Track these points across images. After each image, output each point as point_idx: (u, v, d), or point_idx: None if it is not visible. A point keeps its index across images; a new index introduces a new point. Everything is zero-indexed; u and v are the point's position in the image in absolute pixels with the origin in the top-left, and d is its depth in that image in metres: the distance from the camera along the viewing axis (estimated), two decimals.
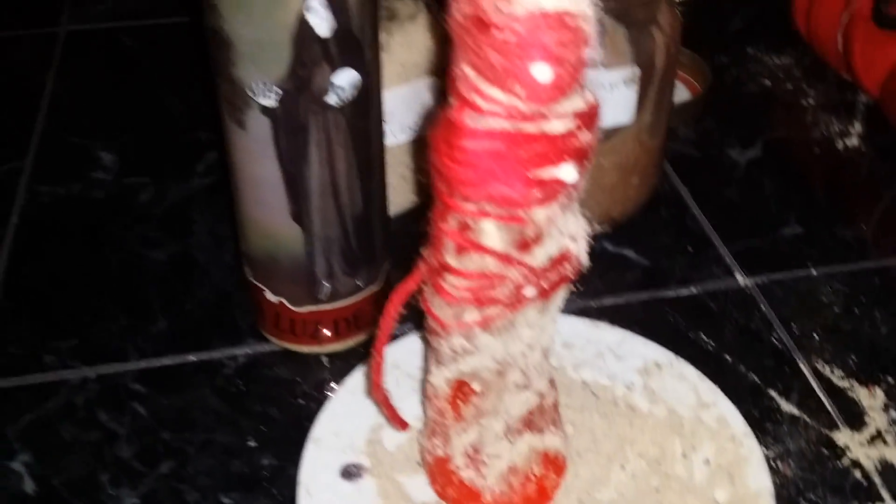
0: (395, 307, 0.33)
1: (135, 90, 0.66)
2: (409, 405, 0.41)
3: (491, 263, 0.30)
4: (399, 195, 0.51)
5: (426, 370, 0.35)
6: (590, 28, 0.25)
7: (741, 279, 0.50)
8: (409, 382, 0.42)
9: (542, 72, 0.25)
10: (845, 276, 0.50)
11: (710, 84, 0.62)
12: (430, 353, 0.34)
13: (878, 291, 0.49)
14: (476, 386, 0.33)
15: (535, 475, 0.36)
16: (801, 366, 0.45)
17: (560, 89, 0.26)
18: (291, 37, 0.35)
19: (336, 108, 0.38)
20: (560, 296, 0.33)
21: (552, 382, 0.36)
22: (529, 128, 0.27)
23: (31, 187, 0.56)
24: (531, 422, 0.36)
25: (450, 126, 0.28)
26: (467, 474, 0.36)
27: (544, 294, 0.32)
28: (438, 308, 0.32)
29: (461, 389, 0.34)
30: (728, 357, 0.45)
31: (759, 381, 0.44)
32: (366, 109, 0.39)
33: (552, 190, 0.28)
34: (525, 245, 0.30)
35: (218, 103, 0.39)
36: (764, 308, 0.48)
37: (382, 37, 0.45)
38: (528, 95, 0.26)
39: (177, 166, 0.58)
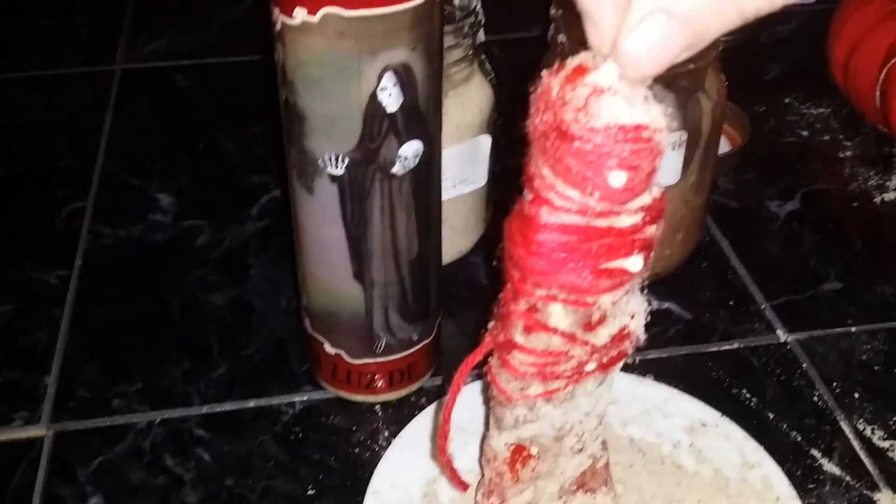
0: (462, 377, 0.35)
1: (188, 130, 0.68)
2: (461, 457, 0.43)
3: (557, 342, 0.32)
4: (449, 246, 0.53)
5: (485, 434, 0.37)
6: (663, 139, 0.27)
7: (782, 335, 0.51)
8: (461, 435, 0.44)
9: (618, 178, 0.27)
10: (884, 334, 0.51)
11: (750, 136, 0.63)
12: (492, 418, 0.36)
13: None
14: (534, 450, 0.35)
15: None
16: (843, 425, 0.46)
17: (632, 192, 0.28)
18: (362, 113, 0.37)
19: (399, 176, 0.40)
20: (618, 368, 0.35)
21: (604, 444, 0.38)
22: (600, 223, 0.28)
23: (94, 228, 0.59)
24: (584, 483, 0.37)
25: (525, 219, 0.29)
26: None
27: (603, 368, 0.33)
28: (505, 381, 0.33)
29: (519, 453, 0.36)
30: (770, 414, 0.47)
31: (801, 440, 0.45)
32: (427, 175, 0.41)
33: (619, 279, 0.30)
34: (590, 326, 0.31)
35: (286, 168, 0.41)
36: (805, 365, 0.49)
37: None
38: (602, 197, 0.27)
39: (232, 209, 0.60)
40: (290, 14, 0.35)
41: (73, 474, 0.44)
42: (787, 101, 0.70)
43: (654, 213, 0.30)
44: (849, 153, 0.65)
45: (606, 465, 0.39)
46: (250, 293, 0.54)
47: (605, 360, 0.33)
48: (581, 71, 0.27)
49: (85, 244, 0.57)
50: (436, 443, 0.37)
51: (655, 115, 0.26)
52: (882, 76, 0.63)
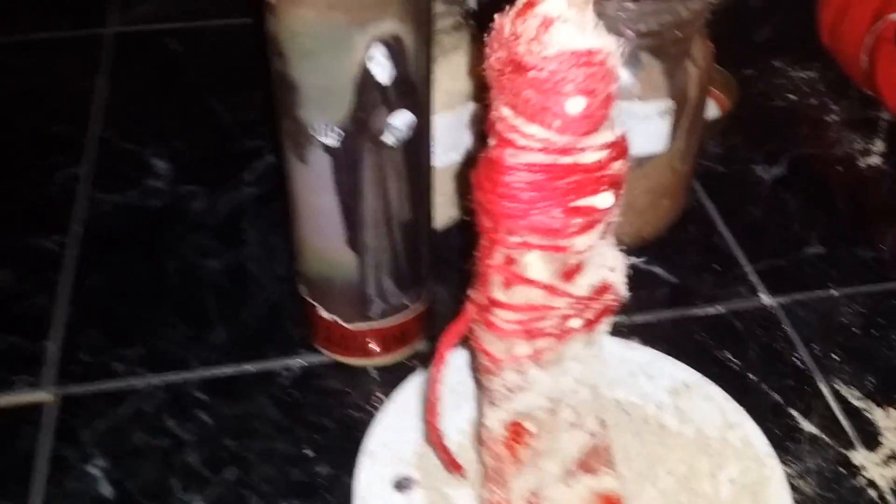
0: (446, 349, 0.35)
1: (181, 94, 0.69)
2: (454, 419, 0.44)
3: (537, 295, 0.32)
4: (441, 213, 0.54)
5: (480, 417, 0.38)
6: (615, 64, 0.28)
7: (765, 298, 0.53)
8: (454, 398, 0.45)
9: (575, 105, 0.28)
10: (864, 297, 0.53)
11: (739, 100, 0.64)
12: (483, 397, 0.37)
13: (895, 313, 0.52)
14: (530, 426, 0.36)
15: None
16: (821, 386, 0.48)
17: (592, 120, 0.28)
18: (354, 84, 0.38)
19: (391, 146, 0.41)
20: (604, 329, 0.35)
21: (603, 424, 0.39)
22: (566, 160, 0.29)
23: (90, 194, 0.59)
24: (587, 464, 0.38)
25: (491, 164, 0.30)
26: None
27: (589, 325, 0.34)
28: (490, 343, 0.34)
29: (516, 431, 0.36)
30: (752, 376, 0.48)
31: (781, 401, 0.47)
32: (418, 144, 0.42)
33: (591, 218, 0.30)
34: (568, 275, 0.32)
35: (280, 138, 0.42)
36: (787, 328, 0.51)
37: None
38: (563, 127, 0.28)
39: (227, 175, 0.61)
40: None
41: (77, 437, 0.45)
42: (775, 64, 0.71)
43: (618, 149, 0.30)
44: (835, 117, 0.66)
45: (608, 446, 0.39)
46: (246, 258, 0.55)
47: (589, 315, 0.34)
48: (530, 4, 0.28)
49: (81, 210, 0.58)
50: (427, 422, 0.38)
51: (606, 41, 0.27)
52: (869, 39, 0.63)
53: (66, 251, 0.55)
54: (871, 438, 0.45)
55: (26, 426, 0.46)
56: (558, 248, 0.31)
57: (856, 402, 0.47)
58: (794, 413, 0.47)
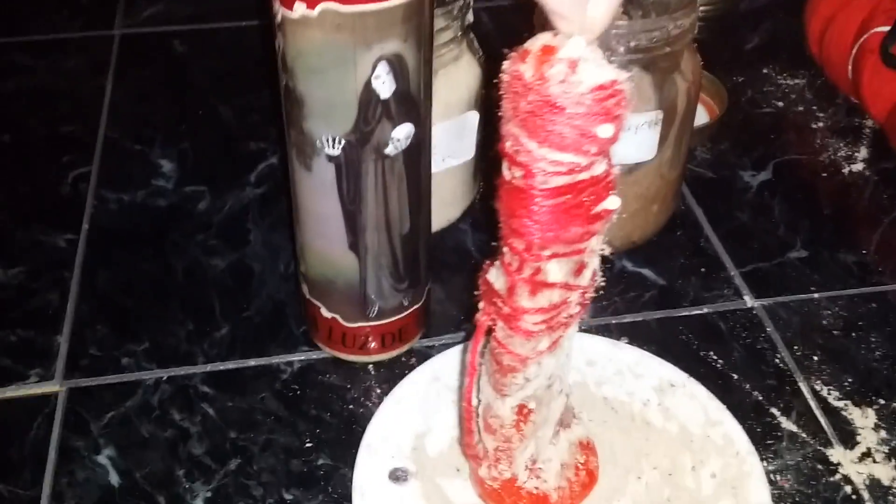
0: (473, 359, 0.38)
1: (187, 96, 0.70)
2: (448, 415, 0.46)
3: (557, 295, 0.35)
4: (438, 215, 0.56)
5: (485, 409, 0.40)
6: (627, 87, 0.31)
7: (749, 300, 0.55)
8: (449, 394, 0.48)
9: (606, 130, 0.30)
10: (845, 300, 0.55)
11: (727, 107, 0.66)
12: (491, 390, 0.39)
13: (874, 316, 0.54)
14: (532, 404, 0.38)
15: (580, 464, 0.42)
16: (801, 385, 0.50)
17: (615, 140, 0.31)
18: (358, 99, 0.40)
19: (392, 156, 0.43)
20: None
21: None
22: (583, 176, 0.32)
23: (99, 193, 0.61)
24: (563, 420, 0.41)
25: (521, 193, 0.32)
26: (531, 485, 0.41)
27: (583, 307, 0.37)
28: (518, 346, 0.36)
29: (521, 412, 0.39)
30: (735, 375, 0.50)
31: (762, 400, 0.49)
32: (418, 154, 0.44)
33: (605, 219, 0.34)
34: (579, 271, 0.35)
35: (287, 147, 0.44)
36: (769, 329, 0.53)
37: None
38: (597, 152, 0.31)
39: (231, 175, 0.63)
40: (290, 8, 0.38)
41: (87, 428, 0.47)
42: (764, 71, 0.73)
43: (608, 155, 0.33)
44: (821, 124, 0.68)
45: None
46: (250, 257, 0.57)
47: (585, 299, 0.36)
48: (550, 50, 0.30)
49: (91, 209, 0.60)
50: (460, 417, 0.41)
51: (617, 70, 0.30)
52: (855, 49, 0.65)
53: (77, 248, 0.57)
54: (848, 437, 0.48)
55: (38, 417, 0.48)
56: (578, 252, 0.34)
57: (834, 402, 0.49)
58: (775, 411, 0.49)
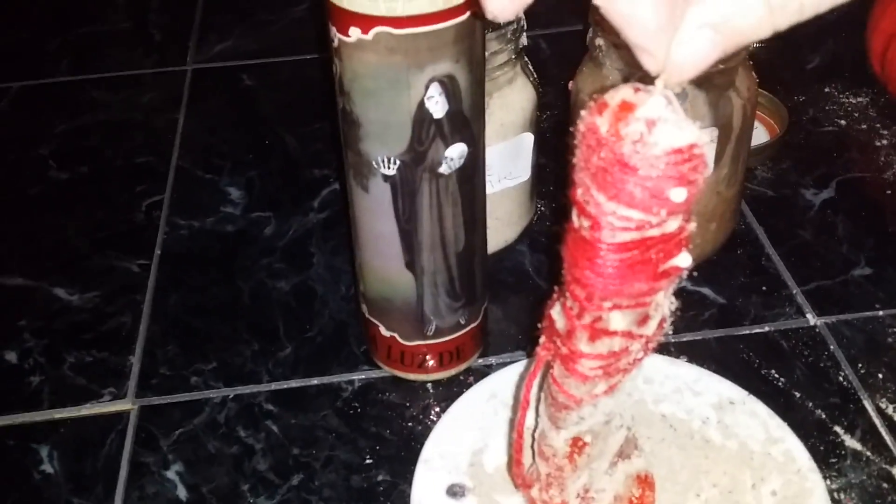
0: (528, 393, 0.38)
1: (254, 126, 0.73)
2: (505, 432, 0.47)
3: (618, 342, 0.34)
4: (496, 236, 0.57)
5: (540, 435, 0.40)
6: (707, 150, 0.30)
7: (812, 319, 0.54)
8: (506, 412, 0.48)
9: (679, 194, 0.29)
10: None
11: (787, 126, 0.65)
12: (547, 421, 0.39)
13: None
14: (588, 438, 0.38)
15: (635, 497, 0.42)
16: (866, 403, 0.49)
17: (690, 203, 0.30)
18: (412, 119, 0.41)
19: (446, 175, 0.44)
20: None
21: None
22: (654, 232, 0.31)
23: (170, 220, 0.64)
24: (621, 451, 0.41)
25: (587, 244, 0.32)
26: None
27: (647, 352, 0.36)
28: (574, 388, 0.36)
29: (576, 444, 0.39)
30: (797, 393, 0.50)
31: (825, 418, 0.48)
32: (472, 173, 0.45)
33: (673, 276, 0.33)
34: (643, 321, 0.34)
35: (344, 168, 0.46)
36: (832, 347, 0.52)
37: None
38: (669, 212, 0.30)
39: (296, 202, 0.65)
40: (345, 33, 0.39)
41: (157, 444, 0.49)
42: (826, 90, 0.72)
43: (690, 210, 0.32)
44: (885, 142, 0.67)
45: (634, 431, 0.42)
46: (313, 280, 0.59)
47: (651, 346, 0.36)
48: (628, 107, 0.29)
49: (163, 235, 0.63)
50: (510, 446, 0.41)
51: (698, 132, 0.29)
52: None
53: (150, 273, 0.60)
54: None
55: (112, 433, 0.50)
56: (643, 305, 0.33)
57: None
58: (838, 429, 0.48)
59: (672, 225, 0.31)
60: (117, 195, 0.66)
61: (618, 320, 0.34)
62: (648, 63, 0.29)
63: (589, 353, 0.35)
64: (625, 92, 0.29)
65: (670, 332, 0.36)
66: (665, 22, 0.27)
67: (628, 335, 0.34)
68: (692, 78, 0.28)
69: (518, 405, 0.40)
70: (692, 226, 0.32)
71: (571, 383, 0.36)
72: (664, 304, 0.35)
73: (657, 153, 0.29)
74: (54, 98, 0.78)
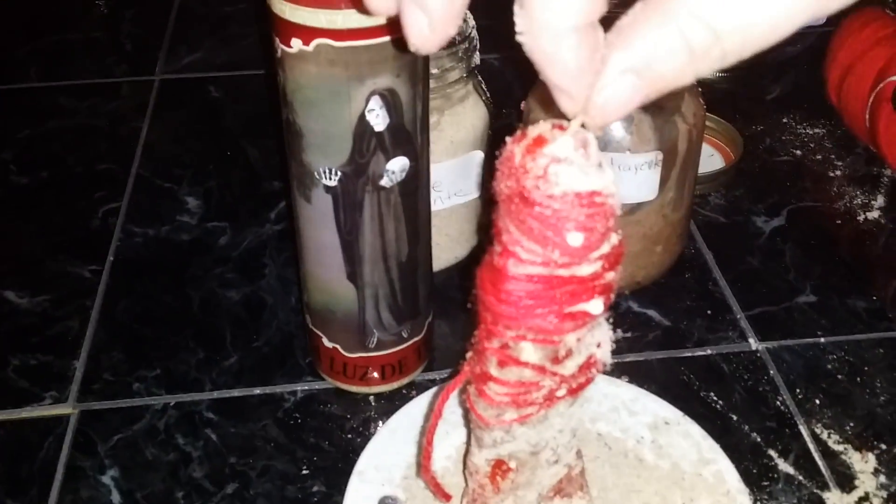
0: (442, 404, 0.38)
1: (218, 138, 0.73)
2: (442, 446, 0.47)
3: (528, 374, 0.34)
4: (445, 253, 0.57)
5: (467, 450, 0.40)
6: (616, 202, 0.30)
7: (754, 343, 0.54)
8: (443, 426, 0.47)
9: (575, 239, 0.29)
10: (852, 346, 0.54)
11: (742, 154, 0.66)
12: (472, 437, 0.39)
13: (880, 361, 0.53)
14: (512, 464, 0.38)
15: None
16: (801, 429, 0.49)
17: (589, 249, 0.30)
18: (353, 131, 0.42)
19: (388, 188, 0.44)
20: (587, 390, 0.38)
21: (579, 453, 0.41)
22: (563, 272, 0.31)
23: (126, 227, 0.64)
24: (561, 489, 0.41)
25: (495, 270, 0.32)
26: None
27: (573, 392, 0.36)
28: (482, 409, 0.36)
29: (499, 467, 0.39)
30: (734, 417, 0.50)
31: (760, 441, 0.49)
32: (414, 188, 0.45)
33: (582, 321, 0.33)
34: (557, 360, 0.34)
35: (289, 179, 0.46)
36: (772, 372, 0.53)
37: (434, 116, 0.52)
38: (562, 254, 0.30)
39: (253, 213, 0.65)
40: (288, 44, 0.40)
41: (94, 449, 0.49)
42: (784, 120, 0.73)
43: (612, 259, 0.32)
44: (839, 172, 0.68)
45: (582, 471, 0.42)
46: (264, 290, 0.59)
47: (574, 385, 0.36)
48: (540, 142, 0.29)
49: (117, 242, 0.63)
50: (421, 446, 0.40)
51: (607, 181, 0.29)
52: (871, 98, 0.66)
53: (101, 279, 0.60)
54: (846, 480, 0.47)
55: (50, 437, 0.50)
56: (551, 342, 0.33)
57: (834, 446, 0.49)
58: (772, 453, 0.48)
59: (585, 269, 0.31)
60: (75, 201, 0.67)
61: (529, 352, 0.34)
62: (566, 104, 0.29)
63: (497, 377, 0.35)
64: (543, 126, 0.30)
65: (612, 352, 0.36)
66: (585, 64, 0.27)
67: (540, 369, 0.34)
68: (613, 122, 0.28)
69: (429, 423, 0.40)
70: (612, 276, 0.32)
71: (481, 404, 0.36)
72: (583, 347, 0.34)
73: (555, 192, 0.29)
74: (21, 103, 0.78)
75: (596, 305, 0.32)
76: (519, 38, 0.28)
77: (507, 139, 0.30)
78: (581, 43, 0.27)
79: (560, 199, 0.29)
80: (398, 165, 0.44)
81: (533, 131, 0.30)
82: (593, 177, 0.29)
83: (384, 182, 0.44)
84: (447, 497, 0.43)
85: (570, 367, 0.35)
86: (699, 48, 0.26)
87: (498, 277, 0.32)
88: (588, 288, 0.32)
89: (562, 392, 0.35)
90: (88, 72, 0.82)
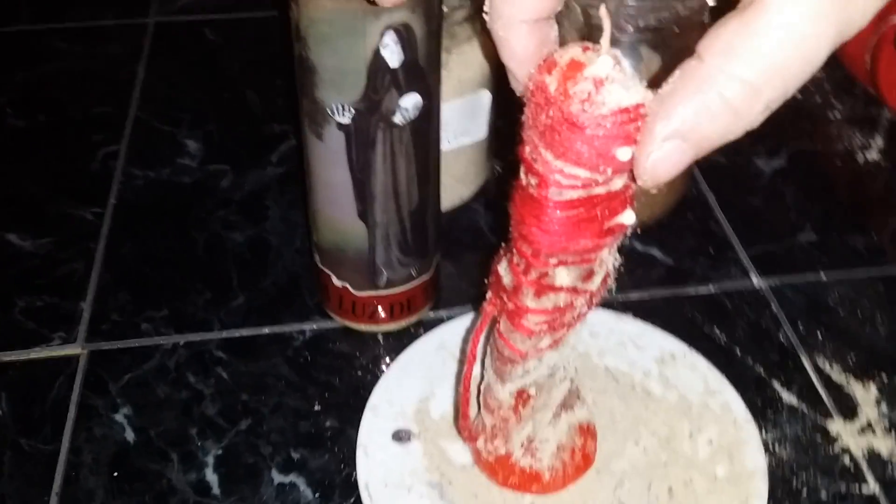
0: (474, 348, 0.39)
1: (216, 81, 0.73)
2: (452, 382, 0.48)
3: (563, 298, 0.35)
4: (451, 193, 0.57)
5: (486, 388, 0.41)
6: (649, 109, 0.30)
7: (756, 280, 0.55)
8: (453, 363, 0.49)
9: (625, 153, 0.30)
10: (852, 282, 0.55)
11: None
12: (493, 374, 0.40)
13: (881, 297, 0.54)
14: (532, 391, 0.39)
15: (577, 446, 0.43)
16: (804, 361, 0.51)
17: (632, 162, 0.30)
18: (367, 67, 0.41)
19: (400, 126, 0.44)
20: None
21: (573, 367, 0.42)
22: (600, 190, 0.31)
23: (126, 170, 0.64)
24: (565, 402, 0.42)
25: (535, 201, 0.32)
26: (526, 462, 0.42)
27: (591, 307, 0.37)
28: (519, 342, 0.37)
29: (521, 396, 0.40)
30: (738, 350, 0.51)
31: (763, 374, 0.50)
32: (426, 126, 0.45)
33: (618, 233, 0.34)
34: (588, 276, 0.35)
35: (300, 117, 0.46)
36: (774, 308, 0.53)
37: (442, 56, 0.51)
38: (614, 171, 0.31)
39: (253, 155, 0.65)
40: None
41: (106, 388, 0.49)
42: None
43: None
44: (837, 114, 0.68)
45: (576, 383, 0.43)
46: (268, 232, 0.59)
47: (596, 300, 0.37)
48: (577, 66, 0.29)
49: (118, 184, 0.62)
50: (457, 400, 0.42)
51: (645, 92, 0.29)
52: (871, 40, 0.66)
53: (103, 221, 0.59)
54: (848, 410, 0.48)
55: (60, 377, 0.50)
56: (588, 261, 0.34)
57: (836, 377, 0.50)
58: (776, 385, 0.49)
59: (618, 183, 0.32)
60: (74, 145, 0.66)
61: (563, 276, 0.34)
62: (513, 84, 0.32)
63: (535, 308, 0.36)
64: (574, 51, 0.30)
65: (615, 290, 0.36)
66: (531, 54, 0.31)
67: (573, 290, 0.35)
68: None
69: (465, 359, 0.40)
70: (636, 184, 0.32)
71: (517, 338, 0.37)
72: (608, 260, 0.35)
73: (605, 112, 0.29)
74: (15, 47, 0.77)
75: (629, 216, 0.33)
76: (484, 15, 0.31)
77: (531, 71, 0.31)
78: (530, 34, 0.30)
79: (610, 118, 0.29)
80: (411, 103, 0.44)
81: (563, 57, 0.30)
82: (634, 90, 0.29)
83: (397, 119, 0.44)
84: (473, 438, 0.44)
85: (596, 282, 0.36)
86: (742, 106, 0.27)
87: (540, 208, 0.32)
88: (622, 200, 0.32)
89: (585, 308, 0.36)
90: (81, 15, 0.80)
